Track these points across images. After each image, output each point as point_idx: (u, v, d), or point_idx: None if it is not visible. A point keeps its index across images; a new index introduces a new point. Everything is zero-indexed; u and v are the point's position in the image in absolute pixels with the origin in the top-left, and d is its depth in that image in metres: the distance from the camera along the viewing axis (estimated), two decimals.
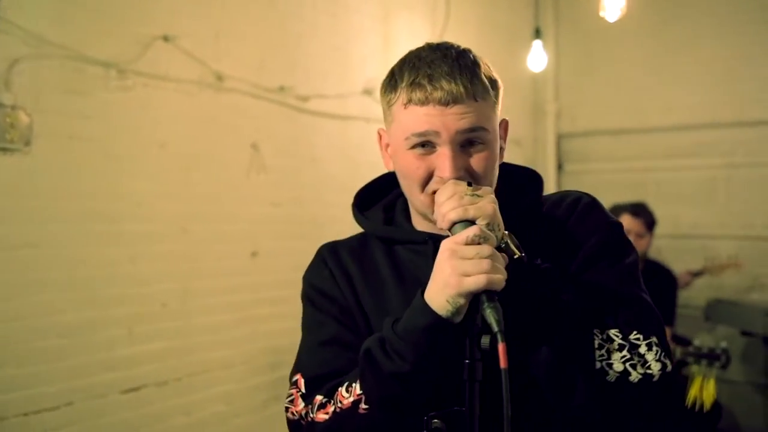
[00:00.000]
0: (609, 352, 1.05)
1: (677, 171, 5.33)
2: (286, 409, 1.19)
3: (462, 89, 1.09)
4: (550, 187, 5.60)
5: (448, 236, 1.08)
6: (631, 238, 3.69)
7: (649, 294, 3.37)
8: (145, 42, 2.71)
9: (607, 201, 5.72)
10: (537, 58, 4.02)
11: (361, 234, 1.33)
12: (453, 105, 1.09)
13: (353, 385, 1.10)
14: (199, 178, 2.93)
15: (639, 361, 1.05)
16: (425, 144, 1.12)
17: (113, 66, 2.60)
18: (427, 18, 4.31)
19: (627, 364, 1.05)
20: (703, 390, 3.07)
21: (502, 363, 0.92)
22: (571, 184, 5.70)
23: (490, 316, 0.95)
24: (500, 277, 0.98)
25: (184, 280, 2.88)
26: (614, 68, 5.39)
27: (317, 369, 1.17)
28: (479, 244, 1.00)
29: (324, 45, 3.55)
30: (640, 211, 3.73)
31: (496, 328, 0.93)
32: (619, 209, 3.81)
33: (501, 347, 0.92)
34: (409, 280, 1.19)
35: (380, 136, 1.25)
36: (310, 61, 3.47)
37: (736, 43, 4.97)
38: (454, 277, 0.99)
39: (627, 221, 3.68)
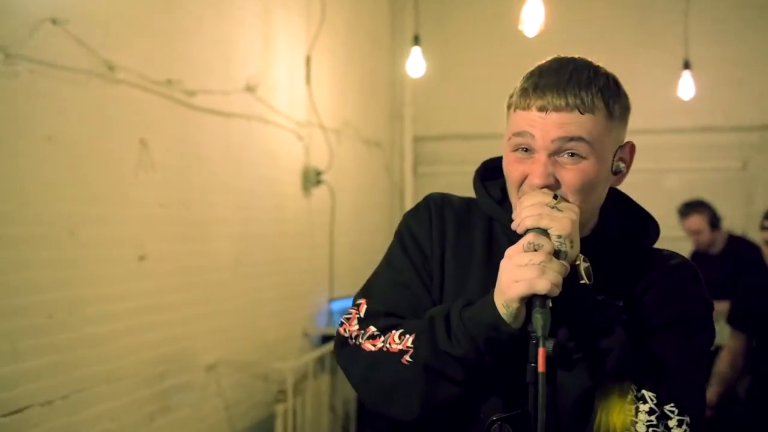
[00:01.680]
0: (637, 411, 1.09)
1: None
2: (341, 323, 1.24)
3: (563, 101, 1.11)
4: (407, 190, 5.80)
5: None
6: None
7: None
8: (32, 24, 2.43)
9: None
10: (416, 64, 4.14)
11: (470, 198, 1.33)
12: (552, 113, 1.11)
13: (406, 335, 1.15)
14: (87, 176, 2.68)
15: (667, 428, 1.08)
16: (526, 149, 1.13)
17: None
18: (303, 18, 4.28)
19: (650, 430, 1.08)
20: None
21: (540, 367, 0.97)
22: (425, 186, 5.93)
23: (536, 320, 1.00)
24: (545, 282, 1.00)
25: (71, 287, 2.62)
26: (467, 75, 5.69)
27: (383, 305, 1.23)
28: (534, 251, 1.03)
29: (208, 38, 3.40)
30: None
31: (539, 333, 0.99)
32: None
33: (541, 352, 0.98)
34: (497, 261, 1.18)
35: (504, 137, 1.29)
36: (196, 54, 3.31)
37: (570, 54, 5.45)
38: (508, 282, 1.04)
39: None
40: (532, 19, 2.73)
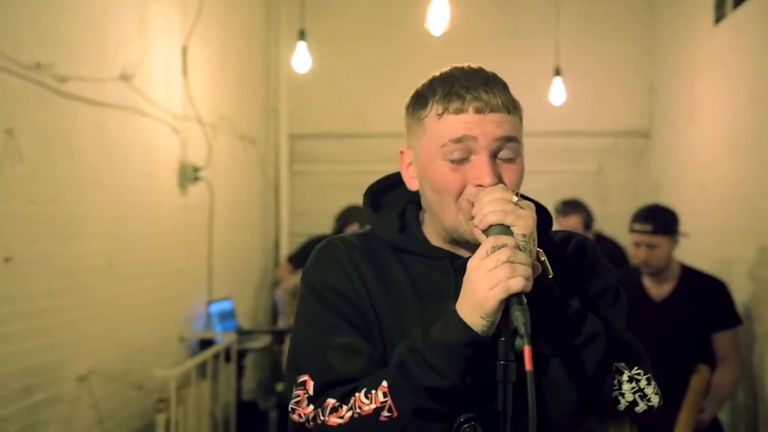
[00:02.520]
0: (620, 383, 1.17)
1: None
2: (292, 410, 1.16)
3: (498, 100, 1.12)
4: (283, 188, 5.69)
5: (461, 256, 1.16)
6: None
7: None
8: None
9: (331, 201, 6.02)
10: (301, 59, 4.05)
11: (362, 234, 1.28)
12: (489, 113, 1.12)
13: (372, 392, 1.09)
14: None
15: (642, 394, 1.17)
16: (461, 156, 1.12)
17: None
18: (179, 6, 4.06)
19: (636, 396, 1.17)
20: None
21: (528, 365, 0.96)
22: (299, 184, 5.85)
23: (518, 318, 0.99)
24: (518, 280, 1.00)
25: None
26: (343, 73, 5.66)
27: (328, 375, 1.14)
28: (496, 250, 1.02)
29: (81, 20, 3.13)
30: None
31: (522, 331, 0.98)
32: (345, 216, 4.04)
33: (527, 350, 0.97)
34: (427, 293, 1.18)
35: (403, 156, 1.24)
36: (67, 37, 3.03)
37: (448, 59, 5.59)
38: (484, 292, 1.01)
39: (354, 229, 3.92)
40: (438, 19, 2.74)
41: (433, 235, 1.23)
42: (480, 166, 1.11)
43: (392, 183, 1.32)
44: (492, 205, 1.06)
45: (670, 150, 5.06)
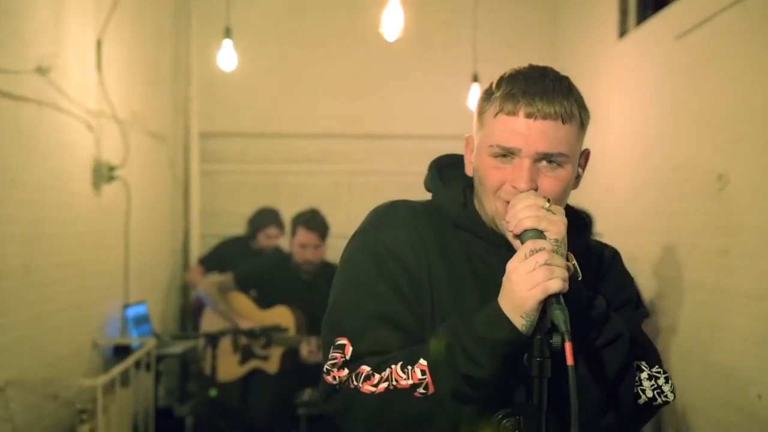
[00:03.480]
0: (640, 380, 1.24)
1: (307, 175, 5.80)
2: (327, 371, 1.17)
3: (551, 109, 1.15)
4: (193, 188, 5.53)
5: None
6: (309, 250, 3.89)
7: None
8: None
9: (243, 202, 5.92)
10: (227, 57, 3.96)
11: (424, 203, 1.30)
12: (539, 120, 1.15)
13: (409, 367, 1.13)
14: None
15: (660, 391, 1.25)
16: (506, 155, 1.17)
17: None
18: (93, 0, 3.87)
19: (655, 392, 1.25)
20: None
21: (569, 360, 1.02)
22: (210, 185, 5.72)
23: (558, 317, 1.04)
24: (557, 281, 1.05)
25: None
26: (256, 71, 5.58)
27: (369, 344, 1.16)
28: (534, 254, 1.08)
29: None
30: (315, 224, 3.90)
31: (563, 328, 1.03)
32: (295, 221, 3.99)
33: (568, 346, 1.02)
34: (484, 277, 1.22)
35: (467, 142, 1.28)
36: None
37: (364, 62, 5.65)
38: (523, 293, 1.06)
39: (303, 235, 3.88)
40: (391, 24, 2.77)
41: (485, 218, 1.27)
42: (519, 171, 1.16)
43: (458, 161, 1.33)
44: (526, 210, 1.11)
45: None
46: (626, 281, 1.36)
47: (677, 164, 3.61)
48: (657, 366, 1.27)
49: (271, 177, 5.76)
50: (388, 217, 1.26)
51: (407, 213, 1.25)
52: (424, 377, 1.12)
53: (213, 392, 3.13)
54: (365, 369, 1.14)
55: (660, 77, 3.87)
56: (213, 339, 3.14)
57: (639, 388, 1.23)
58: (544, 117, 1.15)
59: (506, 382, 1.13)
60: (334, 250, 5.18)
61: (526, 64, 1.23)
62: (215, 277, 4.14)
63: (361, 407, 1.14)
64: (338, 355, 1.17)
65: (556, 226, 1.12)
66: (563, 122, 1.16)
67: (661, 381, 1.25)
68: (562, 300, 1.06)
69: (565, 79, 1.22)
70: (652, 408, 1.25)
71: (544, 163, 1.17)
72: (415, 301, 1.20)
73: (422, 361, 1.12)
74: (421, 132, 5.60)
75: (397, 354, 1.14)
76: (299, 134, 5.75)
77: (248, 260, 4.46)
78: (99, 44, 3.91)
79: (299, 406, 3.85)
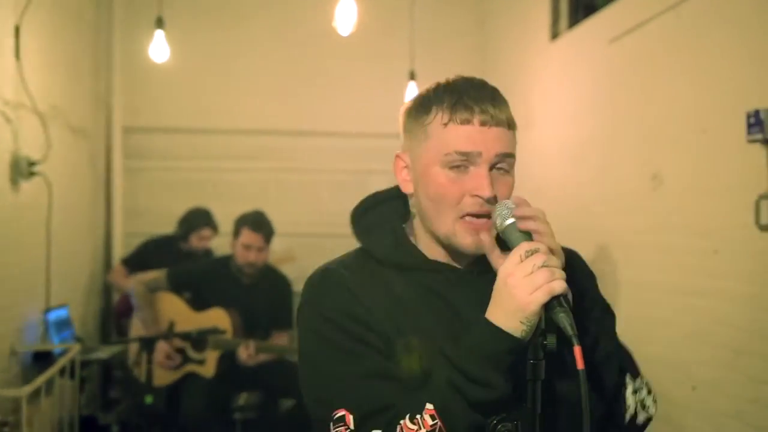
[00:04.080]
0: (624, 398, 1.21)
1: (236, 173, 5.65)
2: None
3: (503, 115, 1.17)
4: (116, 185, 5.28)
5: (457, 267, 1.20)
6: (252, 252, 3.81)
7: (270, 300, 3.67)
8: None
9: (169, 200, 5.72)
10: (159, 48, 3.79)
11: (353, 256, 1.27)
12: (493, 127, 1.16)
13: (418, 416, 1.08)
14: None
15: (643, 405, 1.22)
16: (460, 165, 1.15)
17: None
18: None
19: (638, 406, 1.22)
20: None
21: (580, 365, 1.00)
22: (132, 181, 5.48)
23: (563, 320, 1.03)
24: (560, 282, 1.04)
25: None
26: (184, 64, 5.38)
27: (367, 406, 1.11)
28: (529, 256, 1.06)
29: None
30: (260, 225, 3.81)
31: (570, 332, 1.01)
32: (239, 222, 3.88)
33: (577, 350, 1.00)
34: (438, 307, 1.20)
35: (399, 159, 1.25)
36: None
37: (297, 58, 5.55)
38: (524, 297, 1.04)
39: (247, 236, 3.78)
40: (345, 18, 2.71)
41: (427, 246, 1.24)
42: (479, 178, 1.15)
43: (376, 202, 1.33)
44: (528, 210, 1.12)
45: None
46: (591, 278, 1.33)
47: (611, 164, 3.71)
48: (639, 378, 1.24)
49: (199, 174, 5.58)
50: (327, 283, 1.21)
51: (343, 273, 1.21)
52: (435, 422, 1.07)
53: (149, 399, 2.98)
54: None
55: (594, 79, 3.96)
56: (149, 343, 3.00)
57: (623, 405, 1.21)
58: (497, 123, 1.16)
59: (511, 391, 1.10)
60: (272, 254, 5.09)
61: (453, 76, 1.23)
62: (148, 274, 3.95)
63: None
64: (341, 428, 1.11)
65: (549, 229, 1.12)
66: (508, 128, 1.18)
67: (644, 393, 1.23)
68: (564, 302, 1.04)
69: (495, 88, 1.23)
70: (637, 427, 1.22)
71: (494, 171, 1.17)
72: (390, 354, 1.16)
73: (428, 406, 1.08)
74: (356, 129, 5.55)
75: (399, 408, 1.10)
76: (228, 130, 5.59)
77: (180, 262, 4.30)
78: (17, 31, 3.66)
79: (235, 411, 3.75)
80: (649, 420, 1.23)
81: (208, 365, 3.72)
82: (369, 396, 1.11)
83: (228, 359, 3.67)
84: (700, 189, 2.92)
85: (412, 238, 1.27)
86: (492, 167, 1.16)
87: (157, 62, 4.05)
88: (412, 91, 4.65)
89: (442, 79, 1.23)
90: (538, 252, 1.06)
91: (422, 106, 1.21)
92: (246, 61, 5.52)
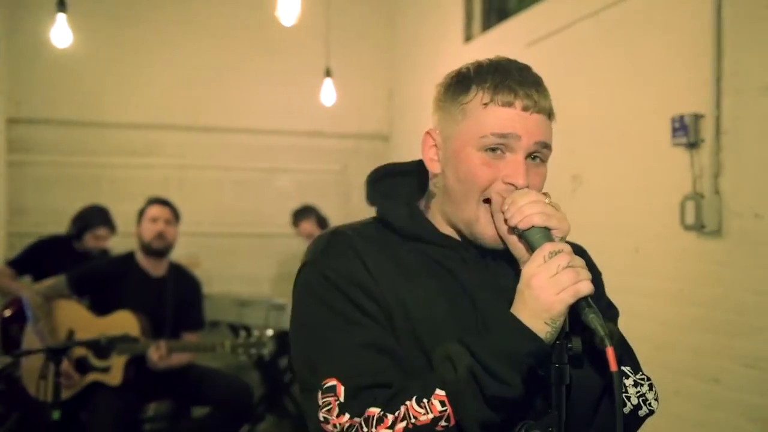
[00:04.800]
0: (626, 387, 1.17)
1: (133, 169, 5.35)
2: (325, 420, 1.03)
3: (545, 103, 1.12)
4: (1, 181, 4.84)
5: (471, 249, 1.14)
6: (160, 223, 3.63)
7: (179, 299, 3.51)
8: None
9: (56, 197, 5.42)
10: (61, 33, 3.47)
11: (368, 222, 1.20)
12: (534, 114, 1.10)
13: (425, 400, 1.02)
14: None
15: (644, 398, 1.19)
16: (496, 149, 1.10)
17: None
18: None
19: (640, 399, 1.19)
20: None
21: (613, 366, 0.96)
22: (17, 177, 5.06)
23: (594, 321, 0.98)
24: (586, 283, 1.01)
25: None
26: (76, 54, 5.01)
27: (362, 378, 1.04)
28: (553, 257, 1.02)
29: None
30: (166, 201, 3.75)
31: (602, 332, 0.97)
32: (145, 205, 3.71)
33: (610, 351, 0.96)
34: (449, 282, 1.15)
35: (429, 137, 1.18)
36: None
37: (205, 51, 5.31)
38: (550, 298, 1.00)
39: (154, 209, 3.66)
40: (288, 9, 2.58)
41: (441, 222, 1.19)
42: (515, 166, 1.10)
43: (390, 172, 1.26)
44: (534, 206, 1.05)
45: (415, 154, 5.45)
46: (597, 274, 1.30)
47: None
48: (640, 372, 1.22)
49: (92, 170, 5.23)
50: (335, 244, 1.14)
51: (353, 238, 1.15)
52: (444, 408, 1.01)
53: (56, 415, 2.72)
54: (374, 411, 1.02)
55: None
56: (57, 354, 2.73)
57: (624, 395, 1.18)
58: (540, 110, 1.11)
59: (526, 396, 1.05)
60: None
61: (496, 57, 1.18)
62: (44, 282, 3.63)
63: None
64: (330, 398, 1.04)
65: (564, 223, 1.07)
66: (549, 118, 1.14)
67: (645, 388, 1.21)
68: (592, 303, 1.01)
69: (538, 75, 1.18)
70: (638, 419, 1.19)
71: (529, 159, 1.12)
72: (389, 324, 1.10)
73: (439, 392, 1.02)
74: (264, 126, 5.40)
75: (404, 388, 1.03)
76: (127, 124, 5.28)
77: (75, 263, 3.99)
78: None
79: (145, 422, 3.53)
80: (649, 415, 1.21)
81: (114, 373, 3.46)
82: (364, 367, 1.05)
83: (136, 364, 3.43)
84: (623, 190, 3.03)
85: (428, 213, 1.21)
86: (528, 155, 1.11)
87: (58, 48, 3.74)
88: (328, 89, 4.57)
89: (483, 59, 1.17)
90: (562, 252, 1.03)
91: (461, 84, 1.14)
92: (149, 52, 5.24)
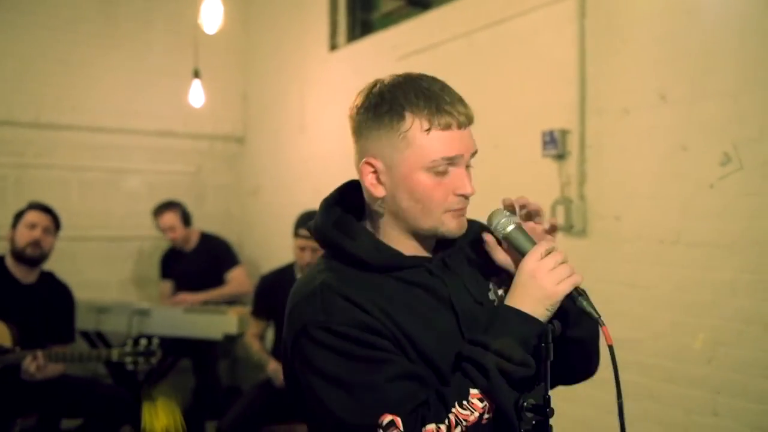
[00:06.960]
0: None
1: None
2: None
3: (470, 114, 1.26)
4: None
5: (428, 259, 1.31)
6: (38, 230, 3.46)
7: (49, 309, 3.25)
8: None
9: None
10: None
11: (324, 262, 1.30)
12: (466, 128, 1.24)
13: (465, 402, 1.17)
14: None
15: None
16: (445, 170, 1.23)
17: None
18: None
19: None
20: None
21: (609, 340, 1.19)
22: None
23: (589, 306, 1.22)
24: (578, 276, 1.23)
25: None
26: None
27: (407, 405, 1.15)
28: (548, 254, 1.24)
29: None
30: (48, 208, 3.58)
31: (596, 315, 1.21)
32: (24, 209, 3.48)
33: (605, 330, 1.20)
34: (431, 297, 1.28)
35: (368, 165, 1.26)
36: None
37: (49, 42, 4.97)
38: (551, 287, 1.21)
39: (32, 215, 3.49)
40: (211, 17, 2.56)
41: (398, 243, 1.30)
42: (461, 178, 1.24)
43: (329, 209, 1.35)
44: (504, 219, 1.32)
45: (271, 157, 5.52)
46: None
47: None
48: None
49: None
50: (328, 300, 1.21)
51: (340, 287, 1.22)
52: (484, 404, 1.16)
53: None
54: (432, 428, 1.14)
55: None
56: None
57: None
58: (469, 123, 1.24)
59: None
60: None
61: (402, 75, 1.28)
62: None
63: None
64: (394, 431, 1.14)
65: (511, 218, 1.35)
66: (471, 124, 1.26)
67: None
68: (582, 291, 1.24)
69: None
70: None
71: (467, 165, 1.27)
72: (404, 355, 1.21)
73: (473, 391, 1.16)
74: (114, 125, 5.18)
75: (442, 398, 1.16)
76: None
77: None
78: None
79: None
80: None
81: None
82: (405, 395, 1.15)
83: (4, 377, 3.21)
84: (500, 196, 3.36)
85: (380, 235, 1.31)
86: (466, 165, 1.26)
87: None
88: (197, 90, 4.52)
89: (390, 79, 1.26)
90: (556, 250, 1.26)
91: (391, 110, 1.22)
92: (74, 51, 4.84)
